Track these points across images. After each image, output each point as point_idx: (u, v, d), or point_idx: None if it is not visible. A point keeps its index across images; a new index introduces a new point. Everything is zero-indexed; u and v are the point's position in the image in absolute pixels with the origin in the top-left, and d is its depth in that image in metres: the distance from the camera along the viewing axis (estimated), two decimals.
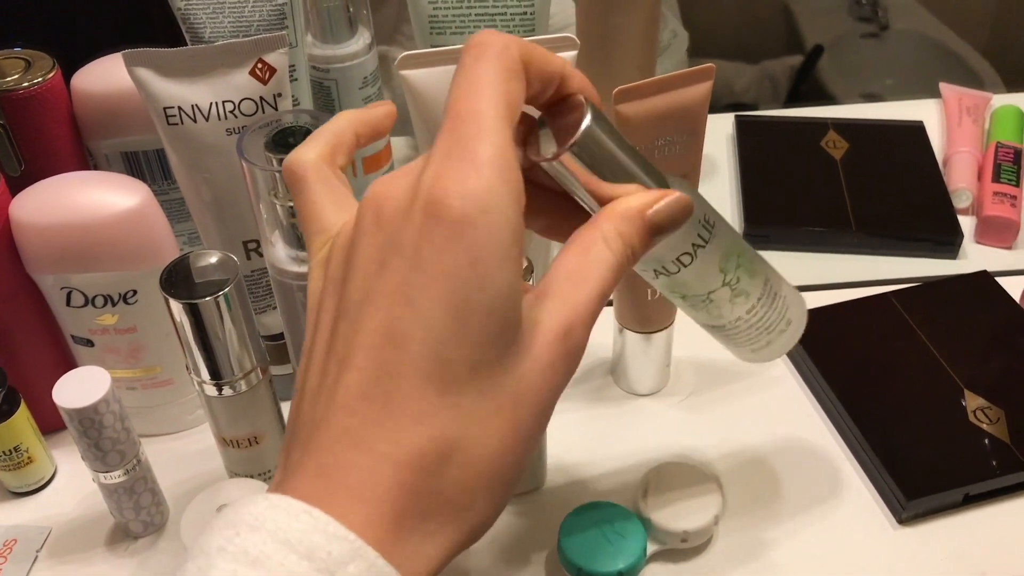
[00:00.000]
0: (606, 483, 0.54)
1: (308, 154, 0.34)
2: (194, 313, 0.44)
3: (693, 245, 0.38)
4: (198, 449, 0.56)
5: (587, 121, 0.32)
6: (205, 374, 0.46)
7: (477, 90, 0.28)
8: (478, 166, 0.27)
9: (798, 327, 0.44)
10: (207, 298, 0.43)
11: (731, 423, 0.57)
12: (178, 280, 0.44)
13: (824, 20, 1.28)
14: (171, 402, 0.56)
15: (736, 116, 0.79)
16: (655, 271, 0.39)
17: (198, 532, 0.46)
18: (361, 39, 0.61)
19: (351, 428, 0.28)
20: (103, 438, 0.46)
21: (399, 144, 0.73)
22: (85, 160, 0.58)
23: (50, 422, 0.55)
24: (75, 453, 0.56)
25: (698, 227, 0.37)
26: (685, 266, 0.38)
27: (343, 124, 0.35)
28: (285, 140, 0.43)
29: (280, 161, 0.43)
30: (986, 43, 1.21)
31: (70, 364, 0.53)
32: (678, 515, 0.49)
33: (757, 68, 1.25)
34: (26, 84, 0.53)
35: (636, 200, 0.33)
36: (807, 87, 1.21)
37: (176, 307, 0.44)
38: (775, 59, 1.25)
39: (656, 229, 0.33)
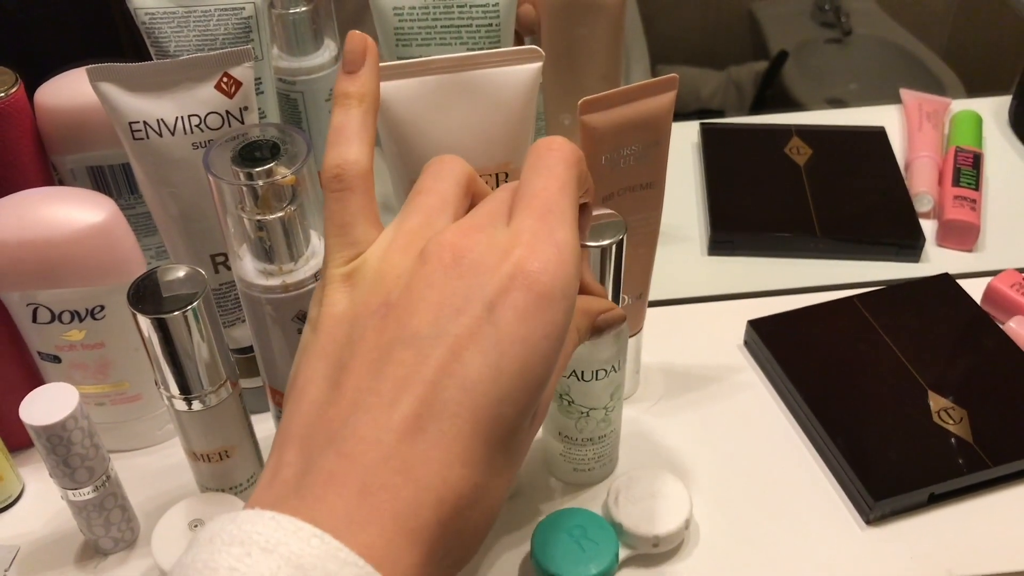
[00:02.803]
0: (578, 490, 0.54)
1: (363, 160, 0.36)
2: (162, 328, 0.44)
3: (612, 367, 0.48)
4: (168, 464, 0.56)
5: (622, 237, 0.44)
6: (174, 388, 0.46)
7: (564, 187, 0.33)
8: (564, 255, 0.31)
9: (610, 470, 0.55)
10: (175, 312, 0.43)
11: (700, 428, 0.57)
12: (146, 295, 0.44)
13: (788, 26, 1.29)
14: (140, 417, 0.55)
15: (701, 124, 0.80)
16: (573, 372, 0.48)
17: (169, 547, 0.46)
18: (327, 51, 0.61)
19: (402, 453, 0.29)
20: (71, 455, 0.46)
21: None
22: (50, 175, 0.58)
23: (17, 439, 0.55)
24: (43, 470, 0.55)
25: (622, 355, 0.48)
26: (597, 379, 0.48)
27: (369, 118, 0.37)
28: (252, 154, 0.43)
29: (248, 175, 0.42)
30: (946, 48, 1.23)
31: (37, 381, 0.53)
32: (649, 520, 0.49)
33: (723, 74, 1.26)
34: None
35: (597, 304, 0.40)
36: (772, 92, 1.22)
37: (144, 322, 0.43)
38: (740, 65, 1.26)
39: (597, 331, 0.40)
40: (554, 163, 0.34)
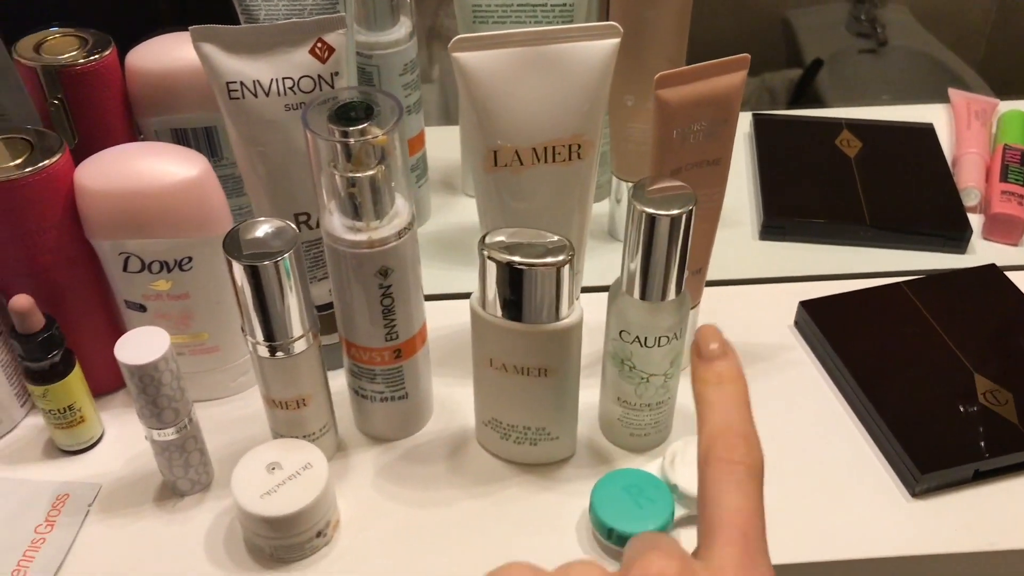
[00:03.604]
0: (632, 455, 0.56)
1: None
2: (255, 276, 0.46)
3: (674, 335, 0.51)
4: (241, 415, 0.58)
5: (691, 208, 0.47)
6: (260, 335, 0.48)
7: (758, 509, 0.33)
8: None
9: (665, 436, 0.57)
10: (267, 262, 0.46)
11: (751, 401, 0.59)
12: (240, 244, 0.46)
13: (823, 35, 1.30)
14: (216, 368, 0.58)
15: (754, 114, 0.82)
16: (637, 338, 0.50)
17: (248, 486, 0.48)
18: (403, 27, 0.64)
19: None
20: (160, 395, 0.49)
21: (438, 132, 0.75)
22: (135, 136, 0.60)
23: (99, 385, 0.58)
24: (121, 416, 0.59)
25: (684, 323, 0.51)
26: (660, 346, 0.50)
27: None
28: (347, 114, 0.46)
29: (344, 133, 0.45)
30: (982, 61, 1.24)
31: (121, 329, 0.55)
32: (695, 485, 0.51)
33: (756, 80, 1.27)
34: (83, 60, 0.55)
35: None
36: (805, 100, 1.23)
37: (238, 269, 0.46)
38: (774, 72, 1.27)
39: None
40: (744, 478, 0.34)
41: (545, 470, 0.55)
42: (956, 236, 0.70)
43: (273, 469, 0.50)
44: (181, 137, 0.60)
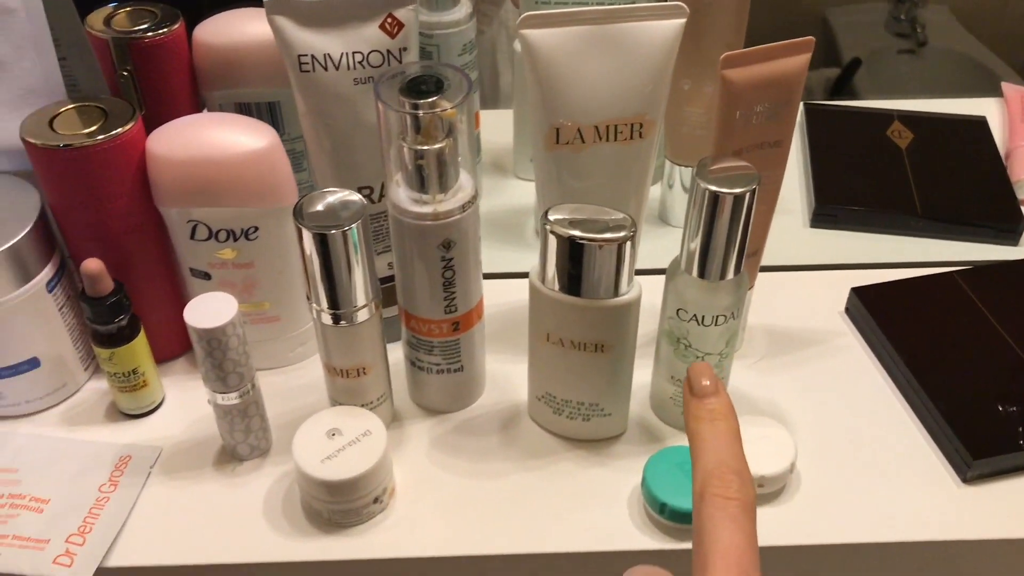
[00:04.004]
0: (684, 434, 0.56)
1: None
2: (323, 244, 0.47)
3: (731, 314, 0.51)
4: (299, 384, 0.59)
5: (755, 187, 0.47)
6: (325, 303, 0.49)
7: (752, 543, 0.36)
8: None
9: None
10: (336, 230, 0.47)
11: (801, 385, 0.60)
12: (309, 212, 0.47)
13: (862, 34, 1.29)
14: (276, 338, 0.59)
15: (805, 104, 0.82)
16: (694, 316, 0.51)
17: (309, 450, 0.50)
18: (463, 8, 0.65)
19: None
20: (227, 359, 0.50)
21: (488, 115, 0.76)
22: (199, 108, 0.61)
23: (161, 352, 0.59)
24: (182, 382, 0.60)
25: (740, 303, 0.51)
26: (716, 325, 0.51)
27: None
28: (418, 87, 0.46)
29: (414, 106, 0.46)
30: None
31: (184, 297, 0.57)
32: (755, 461, 0.51)
33: None
34: (152, 33, 0.57)
35: None
36: (843, 99, 1.23)
37: (307, 236, 0.47)
38: (812, 70, 1.26)
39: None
40: (738, 513, 0.36)
41: (596, 446, 0.56)
42: (1009, 228, 0.70)
43: (333, 435, 0.51)
44: (244, 111, 0.61)
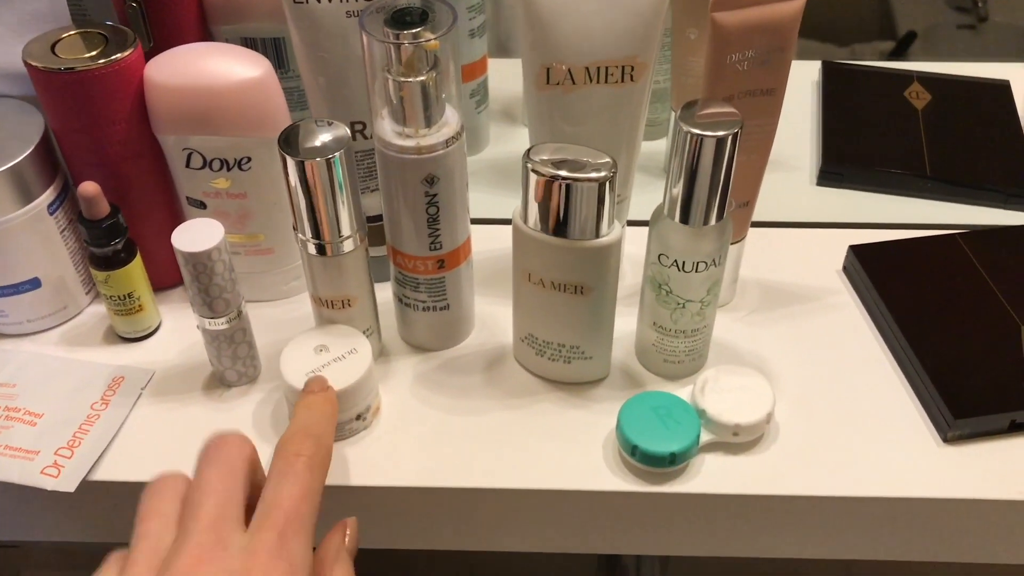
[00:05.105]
0: (665, 382, 0.57)
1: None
2: (306, 172, 0.48)
3: (713, 261, 0.51)
4: (291, 317, 0.61)
5: (736, 131, 0.47)
6: (310, 233, 0.50)
7: (307, 495, 0.40)
8: (296, 570, 0.38)
9: (699, 366, 0.57)
10: (318, 159, 0.47)
11: (790, 339, 0.59)
12: (294, 142, 0.48)
13: (920, 7, 1.26)
14: (269, 271, 0.60)
15: (823, 62, 0.81)
16: (675, 262, 0.51)
17: (296, 365, 0.51)
18: None
19: None
20: (212, 284, 0.51)
21: (502, 63, 0.76)
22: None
23: (160, 279, 0.61)
24: (178, 310, 0.61)
25: (724, 250, 0.51)
26: (697, 272, 0.51)
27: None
28: (403, 18, 0.47)
29: (397, 36, 0.46)
30: None
31: None
32: (732, 409, 0.52)
33: (846, 50, 1.24)
34: None
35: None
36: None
37: (291, 165, 0.48)
38: (866, 43, 1.24)
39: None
40: (301, 468, 0.40)
41: (577, 389, 0.56)
42: (1019, 192, 0.69)
43: (320, 351, 0.52)
44: (250, 46, 0.62)
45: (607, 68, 0.52)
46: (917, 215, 0.69)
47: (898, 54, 1.19)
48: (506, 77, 0.77)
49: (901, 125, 0.74)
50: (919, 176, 0.70)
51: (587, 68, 0.52)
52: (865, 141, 0.74)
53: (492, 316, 0.61)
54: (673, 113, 0.69)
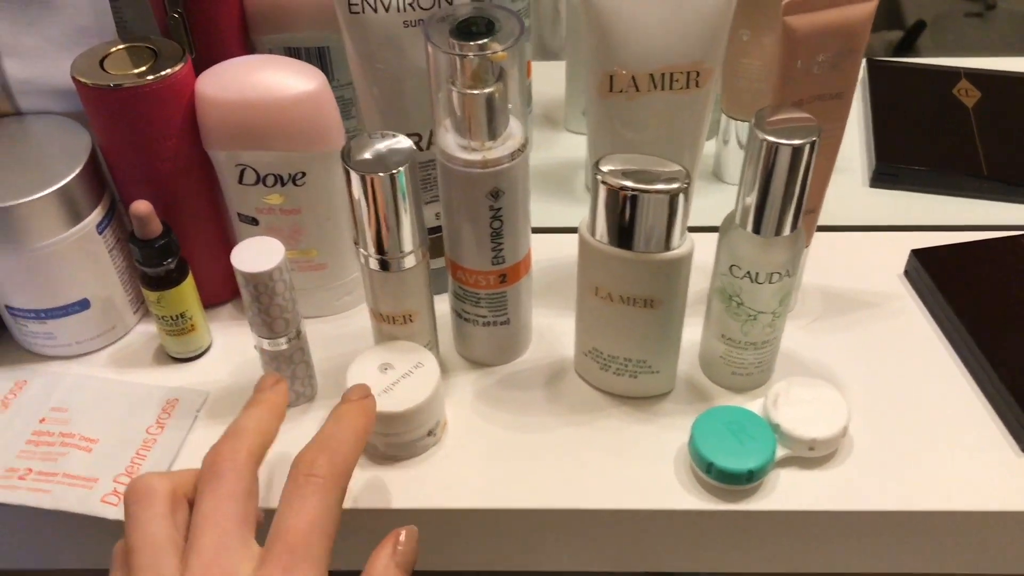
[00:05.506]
0: (732, 394, 0.55)
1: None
2: (371, 187, 0.46)
3: (786, 271, 0.49)
4: (344, 332, 0.59)
5: (815, 139, 0.45)
6: (372, 248, 0.49)
7: (315, 522, 0.38)
8: None
9: (767, 378, 0.56)
10: (383, 173, 0.46)
11: (856, 348, 0.58)
12: (357, 156, 0.47)
13: None
14: (323, 286, 0.59)
15: (868, 60, 0.79)
16: (747, 273, 0.49)
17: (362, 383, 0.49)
18: None
19: None
20: (273, 305, 0.50)
21: (541, 67, 0.75)
22: (249, 53, 0.61)
23: (208, 297, 0.59)
24: (229, 327, 0.60)
25: (796, 260, 0.50)
26: (771, 283, 0.49)
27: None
28: (469, 29, 0.45)
29: (463, 48, 0.45)
30: None
31: (232, 242, 0.56)
32: (807, 423, 0.51)
33: None
34: None
35: None
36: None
37: (355, 179, 0.46)
38: (873, 32, 1.22)
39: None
40: (310, 493, 0.38)
41: (643, 403, 0.55)
42: None
43: (386, 369, 0.51)
44: (294, 56, 0.60)
45: (672, 74, 0.51)
46: (975, 216, 0.67)
47: (907, 44, 1.18)
48: (547, 81, 0.76)
49: (953, 123, 0.73)
50: (976, 176, 0.69)
51: (651, 75, 0.50)
52: (918, 141, 0.72)
53: (549, 329, 0.59)
54: (723, 116, 0.68)
